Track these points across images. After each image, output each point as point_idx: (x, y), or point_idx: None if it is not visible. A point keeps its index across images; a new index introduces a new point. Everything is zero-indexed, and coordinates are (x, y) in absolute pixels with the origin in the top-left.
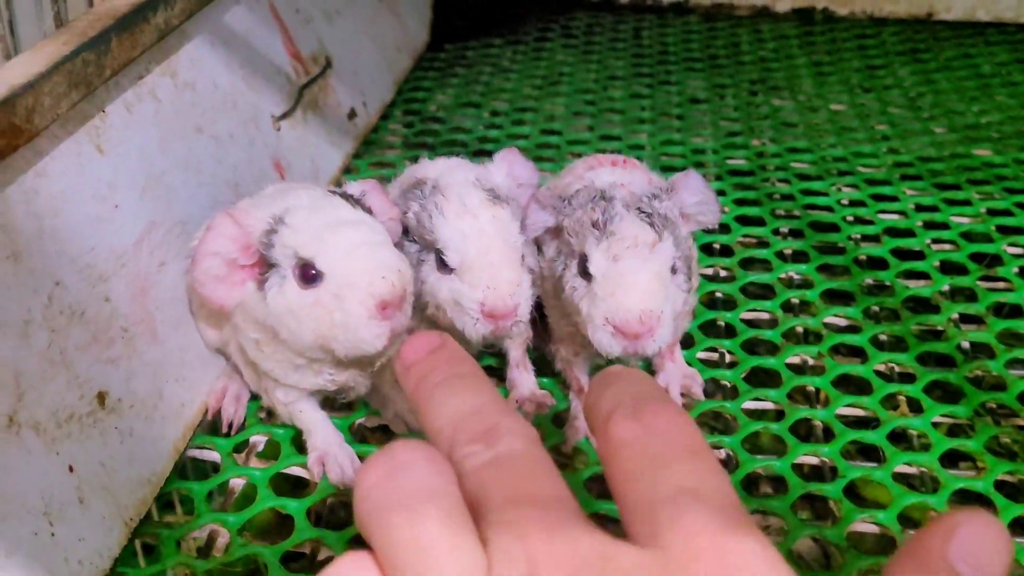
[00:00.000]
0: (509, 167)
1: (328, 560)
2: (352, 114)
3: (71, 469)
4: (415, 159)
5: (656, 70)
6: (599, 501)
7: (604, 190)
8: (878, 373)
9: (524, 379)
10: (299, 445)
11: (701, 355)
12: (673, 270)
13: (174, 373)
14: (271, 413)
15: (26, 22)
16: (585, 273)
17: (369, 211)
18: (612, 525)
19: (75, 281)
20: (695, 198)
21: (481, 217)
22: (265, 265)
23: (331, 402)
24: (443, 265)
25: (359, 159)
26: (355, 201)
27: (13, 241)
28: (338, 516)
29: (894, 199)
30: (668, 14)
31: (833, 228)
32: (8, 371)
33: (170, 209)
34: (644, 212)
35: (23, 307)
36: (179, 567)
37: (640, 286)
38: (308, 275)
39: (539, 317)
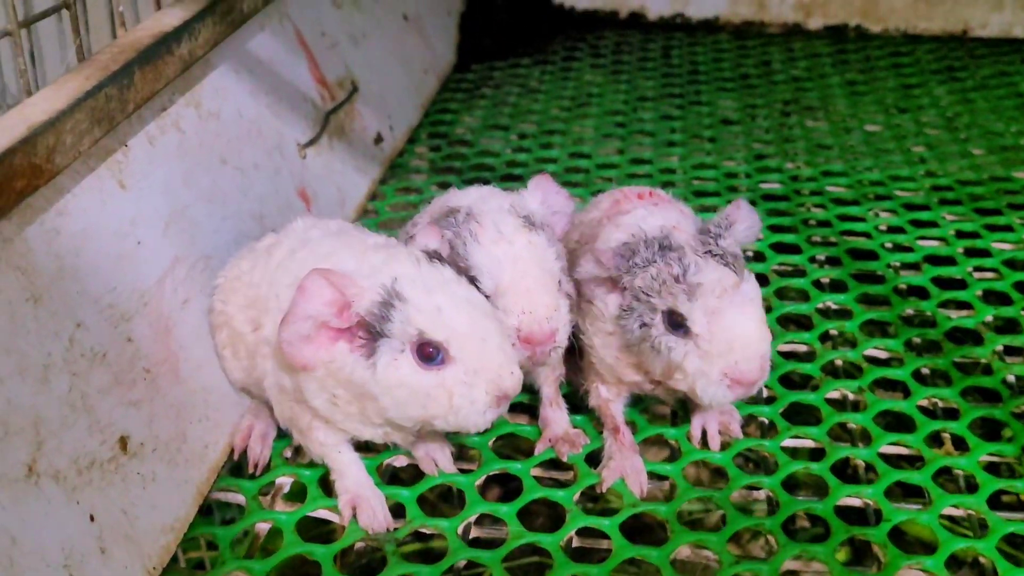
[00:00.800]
0: (543, 195)
1: None
2: (378, 139)
3: (92, 518)
4: (442, 184)
5: (687, 90)
6: (634, 546)
7: (662, 238)
8: (921, 409)
9: (558, 417)
10: (326, 486)
11: None
12: None
13: (198, 414)
14: (298, 451)
15: (50, 55)
16: (678, 328)
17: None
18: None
19: (97, 322)
20: (747, 225)
21: (516, 243)
22: (369, 332)
23: (359, 443)
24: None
25: (385, 184)
26: (444, 261)
27: (33, 283)
28: (367, 562)
29: (933, 224)
30: (698, 32)
31: (871, 256)
32: (27, 418)
33: (194, 244)
34: (716, 255)
35: (43, 351)
36: None
37: (753, 336)
38: (428, 354)
39: (573, 349)
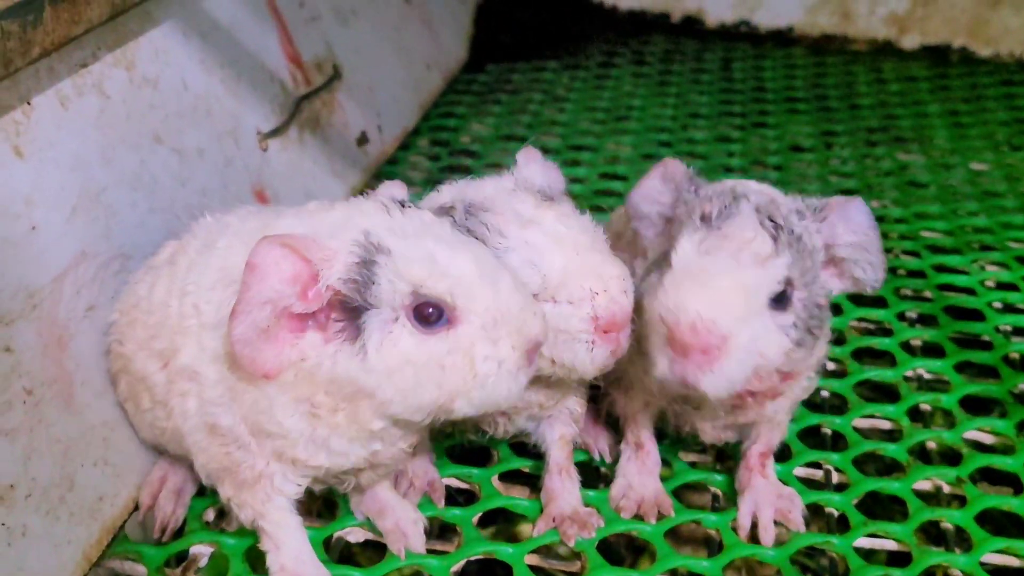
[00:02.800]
0: (539, 168)
1: None
2: (363, 139)
3: None
4: None
5: (749, 109)
6: None
7: (737, 188)
8: None
9: (567, 490)
10: (254, 560)
11: (800, 472)
12: (781, 300)
13: (93, 455)
14: (223, 514)
15: None
16: (665, 264)
17: None
18: None
19: None
20: (852, 237)
21: (546, 220)
22: (346, 310)
23: (305, 507)
24: None
25: (367, 194)
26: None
27: None
28: None
29: None
30: (767, 43)
31: (976, 316)
32: None
33: (108, 237)
34: (771, 220)
35: None
36: None
37: (712, 286)
38: (427, 316)
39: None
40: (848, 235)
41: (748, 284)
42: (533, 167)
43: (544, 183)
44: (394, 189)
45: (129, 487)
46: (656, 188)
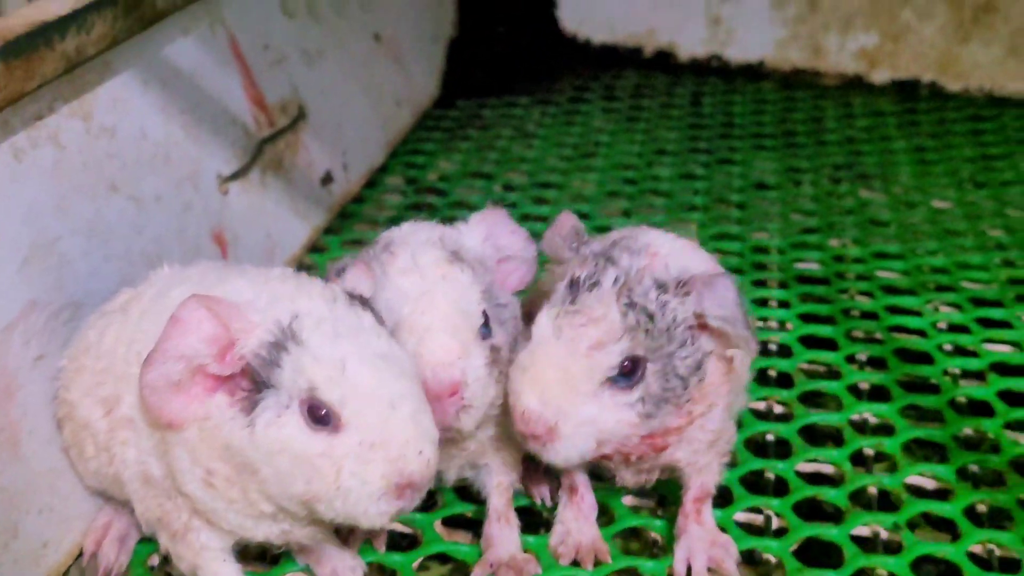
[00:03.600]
0: (489, 231)
1: None
2: (327, 178)
3: None
4: None
5: (716, 145)
6: None
7: (613, 252)
8: (973, 557)
9: (505, 536)
10: None
11: (740, 516)
12: (629, 376)
13: (39, 502)
14: (167, 560)
15: None
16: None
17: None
18: None
19: None
20: (719, 311)
21: (429, 276)
22: (253, 382)
23: (246, 551)
24: None
25: (332, 235)
26: (371, 309)
27: None
28: None
29: (1006, 325)
30: (737, 78)
31: (925, 358)
32: None
33: (60, 287)
34: (628, 296)
35: None
36: None
37: (541, 379)
38: (320, 417)
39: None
40: (715, 309)
41: (578, 373)
42: (478, 229)
43: (475, 246)
44: (359, 280)
45: (74, 533)
46: (551, 240)
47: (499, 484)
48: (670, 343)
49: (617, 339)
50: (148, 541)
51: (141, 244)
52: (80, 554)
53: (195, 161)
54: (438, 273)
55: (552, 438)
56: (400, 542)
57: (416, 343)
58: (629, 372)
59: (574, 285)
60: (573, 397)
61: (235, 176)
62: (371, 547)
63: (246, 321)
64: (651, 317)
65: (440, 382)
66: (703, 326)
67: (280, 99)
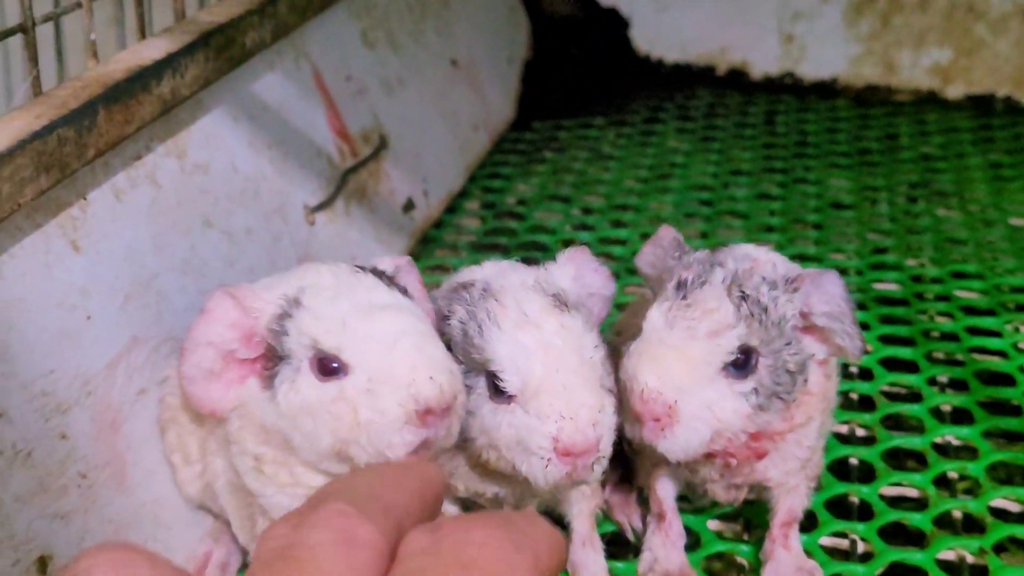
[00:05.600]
0: (577, 270)
1: None
2: (409, 205)
3: None
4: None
5: (792, 164)
6: None
7: (719, 255)
8: None
9: (592, 561)
10: None
11: (825, 541)
12: (744, 367)
13: (143, 533)
14: None
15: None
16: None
17: (405, 292)
18: None
19: (24, 413)
20: (826, 307)
21: (546, 327)
22: (273, 358)
23: None
24: (498, 392)
25: (415, 261)
26: (389, 280)
27: None
28: None
29: None
30: (811, 96)
31: (1007, 380)
32: None
33: (159, 322)
34: (740, 289)
35: None
36: None
37: (662, 358)
38: (328, 368)
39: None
40: (822, 305)
41: (697, 356)
42: (567, 268)
43: (571, 287)
44: (384, 261)
45: (177, 562)
46: (651, 253)
47: (580, 511)
48: (780, 337)
49: (732, 327)
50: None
51: (233, 277)
52: None
53: (283, 194)
54: (555, 323)
55: (671, 422)
56: None
57: (561, 406)
58: (743, 364)
59: (682, 285)
60: (694, 377)
61: (321, 207)
62: None
63: (261, 300)
64: (764, 309)
65: (588, 442)
66: (807, 328)
67: (362, 129)
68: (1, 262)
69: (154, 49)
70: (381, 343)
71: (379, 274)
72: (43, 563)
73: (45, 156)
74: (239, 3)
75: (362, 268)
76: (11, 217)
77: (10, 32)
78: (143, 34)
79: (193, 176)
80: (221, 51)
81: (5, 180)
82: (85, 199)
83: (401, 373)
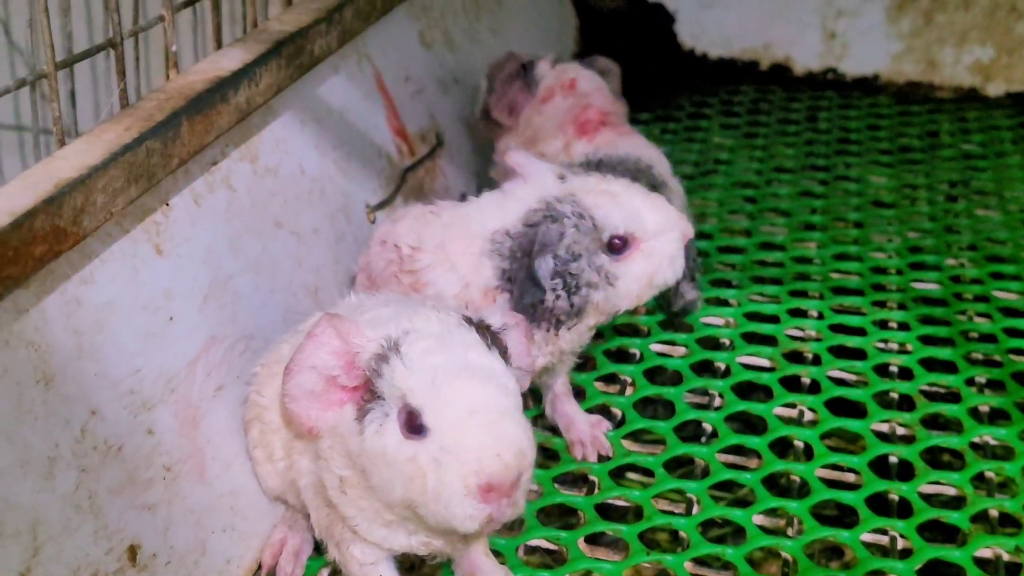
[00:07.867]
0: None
1: None
2: (463, 200)
3: None
4: None
5: (833, 162)
6: None
7: None
8: None
9: (578, 414)
10: None
11: (867, 537)
12: None
13: (222, 521)
14: (338, 573)
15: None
16: None
17: (505, 351)
18: None
19: (114, 410)
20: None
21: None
22: (370, 392)
23: (411, 565)
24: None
25: None
26: (492, 337)
27: (46, 362)
28: None
29: None
30: (853, 92)
31: None
32: (25, 519)
33: (235, 321)
34: None
35: (50, 441)
36: None
37: None
38: (414, 425)
39: None
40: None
41: None
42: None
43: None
44: (493, 314)
45: (253, 550)
46: None
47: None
48: None
49: None
50: (320, 556)
51: (302, 276)
52: (258, 568)
53: (346, 193)
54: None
55: None
56: (545, 559)
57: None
58: None
59: None
60: None
61: (382, 205)
62: (521, 563)
63: (363, 337)
64: None
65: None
66: None
67: (420, 128)
68: (93, 268)
69: (231, 59)
70: (459, 412)
71: (484, 329)
72: (133, 552)
73: (135, 167)
74: (308, 11)
75: (470, 321)
76: (103, 226)
77: (101, 48)
78: (219, 44)
79: (264, 179)
80: (292, 59)
81: (99, 191)
82: (167, 205)
83: (469, 447)
